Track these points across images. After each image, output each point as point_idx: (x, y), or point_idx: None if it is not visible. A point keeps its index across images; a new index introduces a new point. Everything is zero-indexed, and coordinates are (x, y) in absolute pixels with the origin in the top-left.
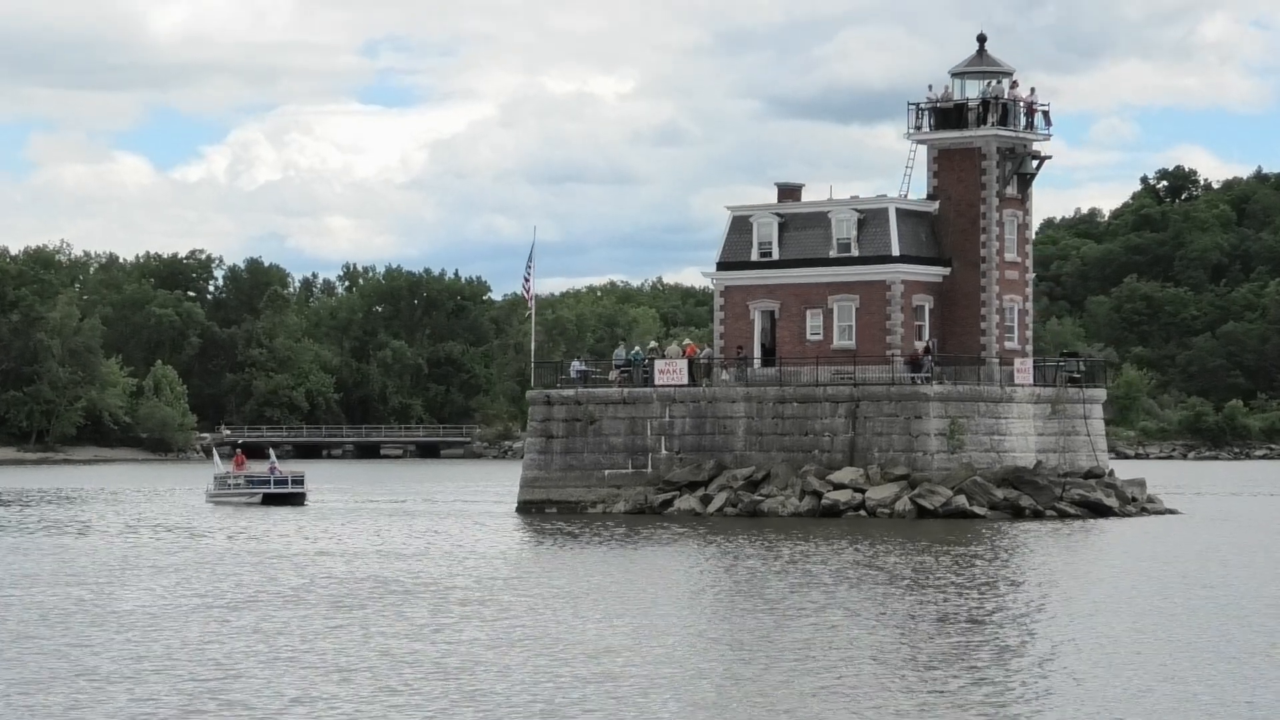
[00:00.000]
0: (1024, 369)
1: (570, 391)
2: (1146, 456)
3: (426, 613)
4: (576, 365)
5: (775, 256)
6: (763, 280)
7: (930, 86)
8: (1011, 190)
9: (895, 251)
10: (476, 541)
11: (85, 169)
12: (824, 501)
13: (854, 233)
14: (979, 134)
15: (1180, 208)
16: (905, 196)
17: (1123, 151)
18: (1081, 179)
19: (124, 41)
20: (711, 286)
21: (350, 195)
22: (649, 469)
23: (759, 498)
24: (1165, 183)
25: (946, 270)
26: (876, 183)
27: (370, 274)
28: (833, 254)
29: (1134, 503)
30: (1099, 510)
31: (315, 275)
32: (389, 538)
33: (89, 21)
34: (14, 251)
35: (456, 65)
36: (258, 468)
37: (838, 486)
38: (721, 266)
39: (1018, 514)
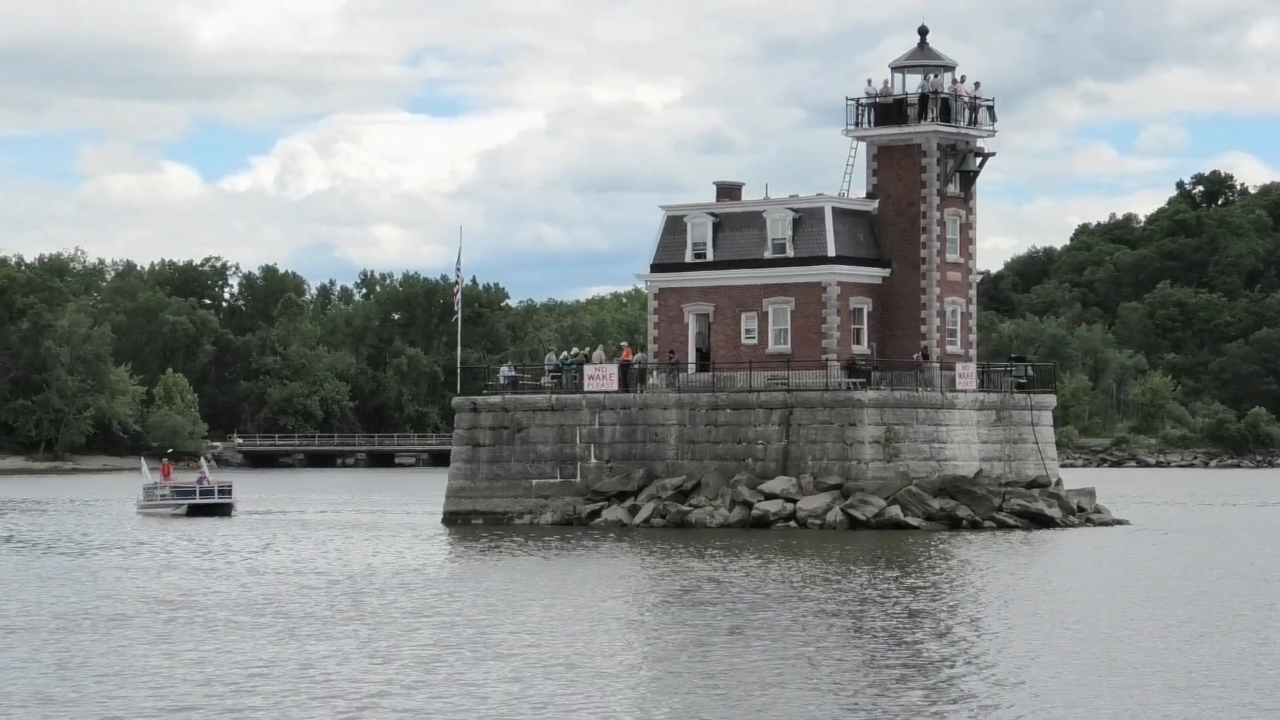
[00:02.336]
0: (966, 374)
1: (497, 399)
2: (1168, 465)
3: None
4: (505, 371)
5: (710, 258)
6: (697, 282)
7: (870, 81)
8: (954, 188)
9: (831, 252)
10: (372, 556)
11: (134, 179)
12: (754, 512)
13: (789, 233)
14: (918, 130)
15: (1216, 213)
16: (845, 195)
17: (1171, 158)
18: (1131, 186)
19: (171, 53)
20: (645, 289)
21: (398, 205)
22: (578, 479)
23: (687, 508)
24: (1201, 188)
25: (886, 272)
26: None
27: (387, 281)
28: (768, 255)
29: (1080, 513)
30: (1040, 521)
31: (332, 282)
32: (286, 550)
33: (136, 33)
34: (29, 259)
35: (502, 75)
36: (185, 478)
37: (769, 496)
38: (655, 268)
39: (955, 525)
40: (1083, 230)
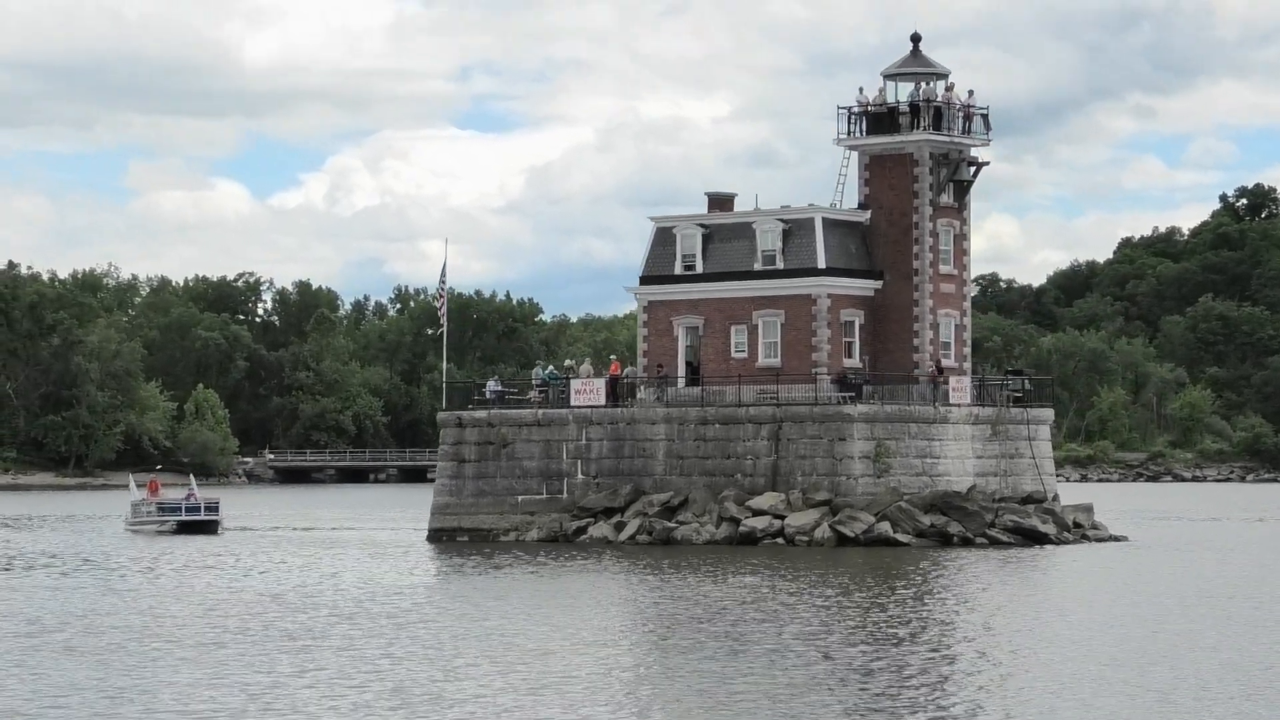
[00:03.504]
0: (960, 388)
1: (482, 413)
2: (1204, 479)
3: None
4: (492, 385)
5: (699, 270)
6: (686, 295)
7: (861, 89)
8: (947, 198)
9: (821, 263)
10: (335, 576)
11: (184, 196)
12: (741, 529)
13: (779, 244)
14: (910, 139)
15: (1259, 226)
16: (838, 206)
17: (1220, 171)
18: (1180, 200)
19: (221, 69)
20: (635, 301)
21: (447, 220)
22: (564, 494)
23: (673, 525)
24: (1245, 201)
25: (878, 284)
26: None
27: (421, 296)
28: (757, 266)
29: (1076, 529)
30: (1034, 538)
31: (367, 298)
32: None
33: (187, 49)
34: (64, 275)
35: (550, 90)
36: (172, 495)
37: (757, 513)
38: (645, 280)
39: (946, 541)
40: (1126, 243)
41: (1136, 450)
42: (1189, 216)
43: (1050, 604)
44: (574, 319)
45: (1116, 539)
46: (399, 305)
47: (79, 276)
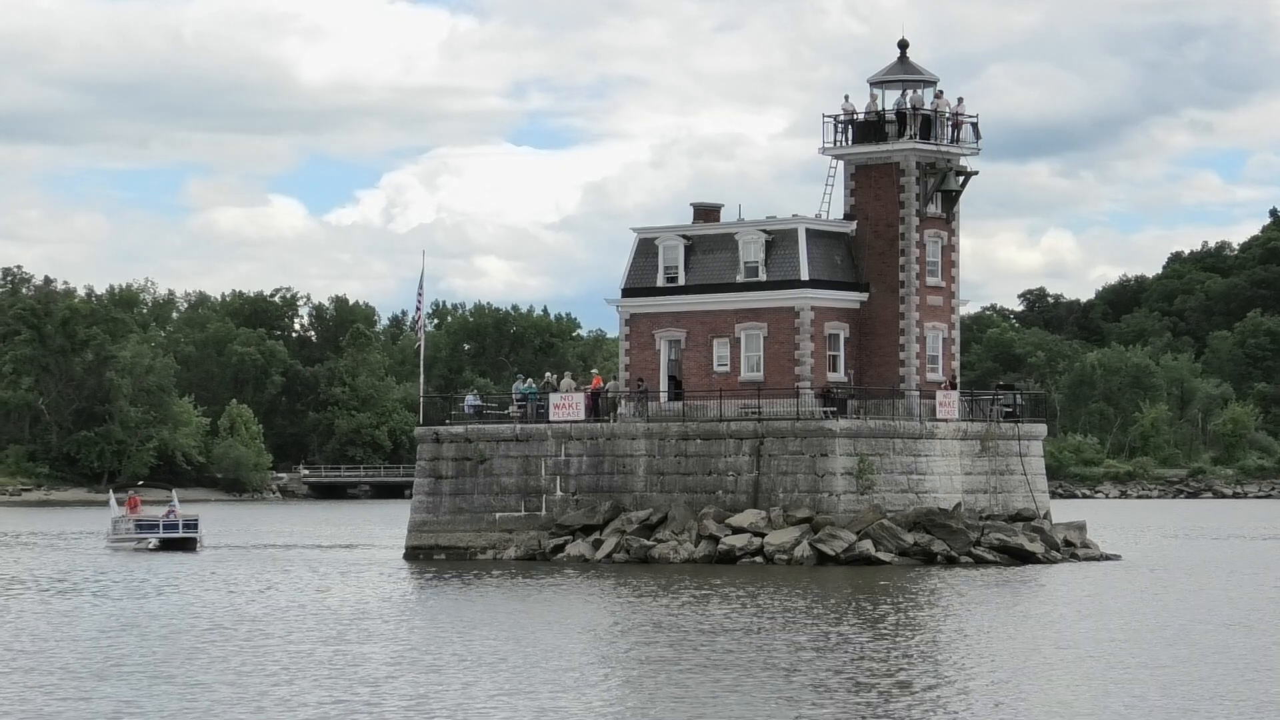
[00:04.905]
0: (947, 403)
1: (460, 428)
2: (1244, 496)
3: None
4: (471, 400)
5: (681, 282)
6: (668, 307)
7: (847, 97)
8: (934, 209)
9: (805, 275)
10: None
11: (241, 213)
12: (720, 547)
13: (762, 256)
14: (897, 148)
15: None
16: (824, 217)
17: (1277, 187)
18: (1239, 215)
19: (278, 87)
20: (617, 314)
21: (503, 236)
22: (543, 512)
23: (650, 543)
24: None
25: (864, 296)
26: (1028, 220)
27: (459, 311)
28: (740, 279)
29: (1067, 548)
30: (1020, 557)
31: (404, 313)
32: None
33: (244, 68)
34: (100, 291)
35: (606, 107)
36: (152, 512)
37: (736, 530)
38: (627, 293)
39: (929, 560)
40: (1175, 258)
41: (1178, 467)
42: (1246, 232)
43: (1009, 628)
44: (611, 335)
45: (1108, 558)
46: (436, 320)
47: (116, 292)
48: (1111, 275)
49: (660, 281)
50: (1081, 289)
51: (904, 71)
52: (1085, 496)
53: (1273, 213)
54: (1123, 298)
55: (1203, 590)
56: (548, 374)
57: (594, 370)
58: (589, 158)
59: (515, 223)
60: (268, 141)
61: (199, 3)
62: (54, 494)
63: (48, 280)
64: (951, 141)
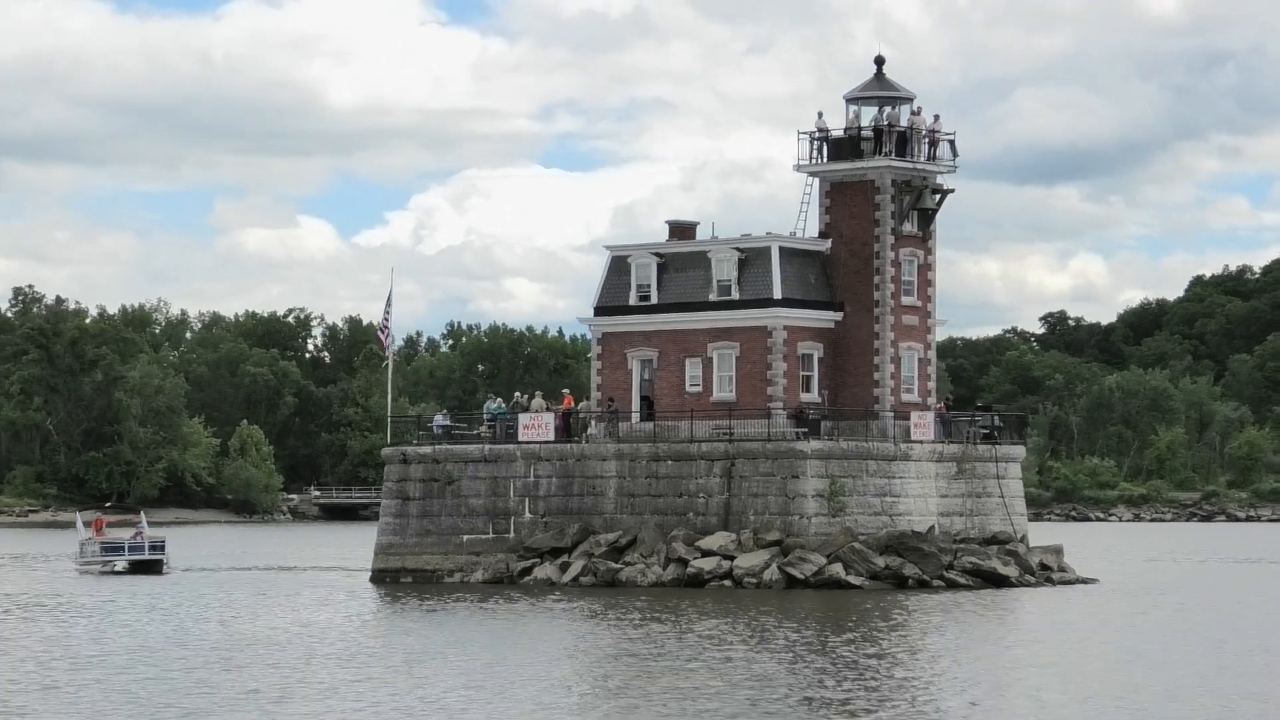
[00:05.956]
0: (923, 424)
1: (427, 449)
2: (1258, 519)
3: None
4: (440, 420)
5: (654, 300)
6: (640, 326)
7: (820, 114)
8: (910, 227)
9: (777, 294)
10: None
11: (270, 234)
12: (689, 570)
13: (735, 274)
14: (872, 165)
15: None
16: (799, 235)
17: None
18: (1268, 239)
19: (307, 109)
20: (589, 333)
21: (531, 258)
22: (511, 534)
23: (618, 566)
24: None
25: (838, 315)
26: (1058, 244)
27: (473, 331)
28: (712, 297)
29: (1042, 571)
30: (994, 580)
31: (419, 334)
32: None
33: (273, 89)
34: (111, 310)
35: (634, 130)
36: (118, 534)
37: (706, 553)
38: (599, 311)
39: (901, 584)
40: (1197, 281)
41: (1193, 490)
42: (1273, 256)
43: (961, 655)
44: None
45: (1085, 582)
46: (450, 341)
47: (128, 312)
48: (1140, 299)
49: (633, 300)
50: (1110, 313)
51: (880, 88)
52: (1099, 519)
53: None
54: (1144, 321)
55: (1166, 613)
56: (517, 394)
57: (564, 391)
58: (618, 180)
59: (544, 245)
60: (297, 163)
61: (228, 24)
62: (61, 515)
63: (59, 300)
64: (928, 159)
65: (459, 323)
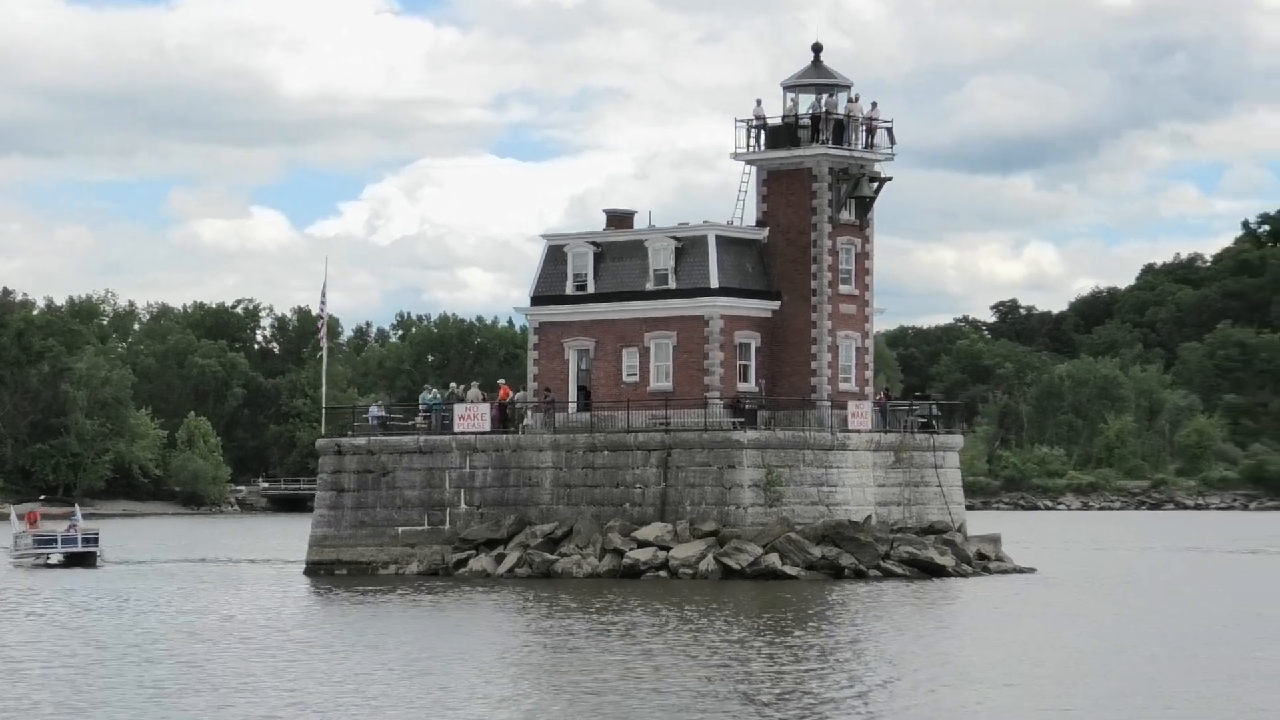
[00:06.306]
0: (860, 413)
1: (362, 440)
2: (1206, 507)
3: None
4: (375, 410)
5: (591, 290)
6: (577, 316)
7: (759, 101)
8: (847, 215)
9: (714, 283)
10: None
11: (224, 224)
12: (624, 561)
13: (672, 263)
14: (809, 153)
15: None
16: (736, 224)
17: (1257, 199)
18: (1219, 228)
19: (260, 99)
20: (526, 323)
21: (485, 248)
22: (446, 525)
23: (553, 558)
24: (1267, 227)
25: (776, 304)
26: (1012, 233)
27: (423, 322)
28: (649, 287)
29: (979, 560)
30: (930, 570)
31: (368, 324)
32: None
33: (226, 79)
34: (59, 303)
35: (587, 119)
36: (53, 527)
37: (642, 544)
38: (536, 301)
39: (837, 574)
40: (1148, 270)
41: (1142, 478)
42: (1223, 244)
43: (879, 645)
44: None
45: (1022, 571)
46: (400, 332)
47: (75, 304)
48: (1092, 288)
49: (570, 289)
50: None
51: (818, 75)
52: (1047, 508)
53: (1245, 225)
54: (1095, 309)
55: (1096, 602)
56: (453, 384)
57: (500, 381)
58: (571, 170)
59: (498, 235)
60: (251, 153)
61: (182, 14)
62: (6, 508)
63: (6, 291)
64: (865, 147)
65: (409, 313)
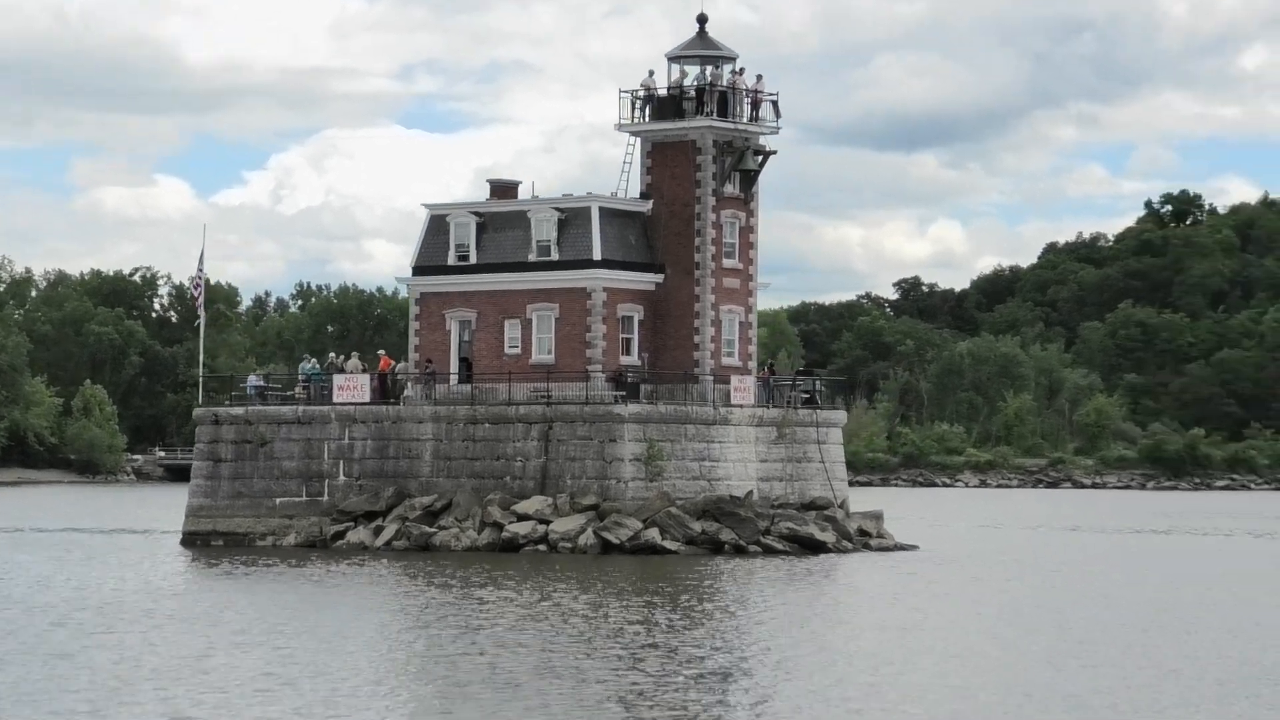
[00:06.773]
0: (743, 388)
1: (240, 410)
2: (1104, 486)
3: None
4: (253, 380)
5: (473, 260)
6: (459, 287)
7: (651, 72)
8: (732, 189)
9: (597, 255)
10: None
11: (126, 193)
12: (504, 535)
13: (554, 235)
14: (693, 125)
15: (1182, 233)
16: (621, 195)
17: (1163, 180)
18: (1125, 208)
19: (164, 67)
20: (406, 293)
21: (391, 219)
22: (325, 497)
23: (432, 530)
24: (1170, 208)
25: (659, 277)
26: (918, 210)
27: (323, 292)
28: (532, 258)
29: (860, 537)
30: (811, 546)
31: (268, 294)
32: None
33: (129, 47)
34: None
35: (495, 91)
36: None
37: (522, 518)
38: (418, 271)
39: (717, 549)
40: (1050, 249)
41: (1040, 456)
42: (1128, 225)
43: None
44: None
45: (903, 548)
46: (300, 301)
47: None
48: (995, 266)
49: (451, 260)
50: (967, 279)
51: (703, 46)
52: (945, 485)
53: (1148, 204)
54: (997, 288)
55: (975, 581)
56: (332, 354)
57: (380, 352)
58: (479, 142)
59: (404, 206)
60: (154, 122)
61: None
62: None
63: None
64: (750, 120)
65: (308, 283)
